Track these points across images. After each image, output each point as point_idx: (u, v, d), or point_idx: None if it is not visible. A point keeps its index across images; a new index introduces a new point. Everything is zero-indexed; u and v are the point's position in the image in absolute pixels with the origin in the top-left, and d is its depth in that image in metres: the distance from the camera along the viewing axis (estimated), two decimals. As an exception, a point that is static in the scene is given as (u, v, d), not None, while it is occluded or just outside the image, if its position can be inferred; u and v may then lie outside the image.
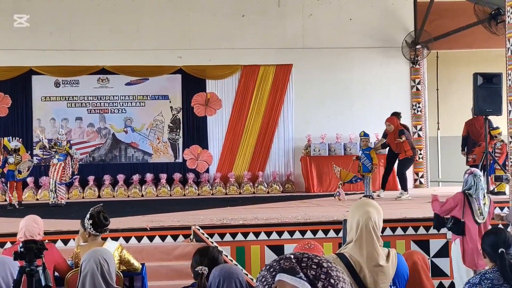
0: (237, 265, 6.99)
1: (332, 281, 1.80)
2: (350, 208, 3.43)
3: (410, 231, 8.22)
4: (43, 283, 3.47)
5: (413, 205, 10.76)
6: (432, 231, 8.17)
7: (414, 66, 15.26)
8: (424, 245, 8.10)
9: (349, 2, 15.38)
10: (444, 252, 8.16)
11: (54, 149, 12.03)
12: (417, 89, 15.33)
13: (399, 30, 15.27)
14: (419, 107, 15.33)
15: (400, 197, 11.86)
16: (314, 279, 1.77)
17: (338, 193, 11.93)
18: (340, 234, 7.83)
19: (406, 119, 15.16)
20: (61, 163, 11.88)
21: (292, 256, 1.84)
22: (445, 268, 8.16)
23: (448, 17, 14.91)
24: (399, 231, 8.18)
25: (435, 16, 14.72)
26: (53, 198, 11.87)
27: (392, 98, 15.04)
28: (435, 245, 8.17)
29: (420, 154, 15.27)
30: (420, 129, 15.36)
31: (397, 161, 12.21)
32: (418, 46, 14.98)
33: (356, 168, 11.93)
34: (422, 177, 15.32)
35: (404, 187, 12.04)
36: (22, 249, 3.45)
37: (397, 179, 12.58)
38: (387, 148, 12.38)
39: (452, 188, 14.67)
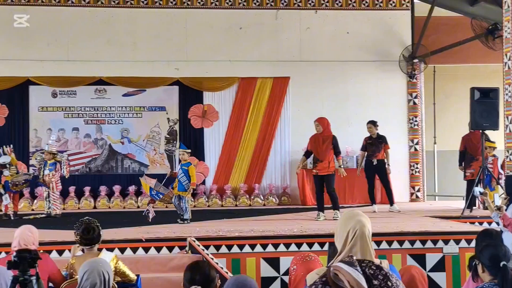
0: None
1: (389, 283, 1.78)
2: (339, 220, 3.38)
3: (406, 244, 8.18)
4: (37, 293, 3.44)
5: (409, 219, 10.73)
6: (429, 245, 8.16)
7: (411, 80, 15.29)
8: (420, 259, 8.06)
9: (346, 15, 15.44)
10: (440, 266, 8.12)
11: (42, 159, 11.97)
12: (414, 103, 15.35)
13: (396, 44, 15.32)
14: (415, 121, 15.35)
15: (336, 217, 10.37)
16: (372, 277, 1.75)
17: (147, 211, 10.18)
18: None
19: (402, 133, 15.22)
20: (53, 172, 11.84)
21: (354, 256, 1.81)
22: (441, 282, 8.13)
23: (445, 32, 14.97)
24: (395, 245, 8.15)
25: (433, 30, 14.78)
26: (48, 208, 11.85)
27: (388, 112, 15.04)
28: (432, 259, 8.13)
29: (417, 168, 15.30)
30: (417, 143, 15.36)
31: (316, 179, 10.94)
32: (415, 60, 15.03)
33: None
34: (418, 191, 15.30)
35: (337, 206, 10.79)
36: (15, 258, 3.42)
37: (331, 198, 10.86)
38: (364, 161, 12.23)
39: (448, 203, 14.72)
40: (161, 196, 10.70)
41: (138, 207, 14.26)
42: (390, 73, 15.28)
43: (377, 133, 12.16)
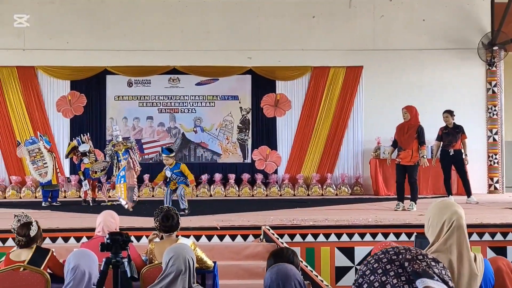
0: (307, 266, 6.92)
1: (449, 275, 1.71)
2: (431, 210, 3.28)
3: (487, 237, 7.95)
4: (129, 275, 3.49)
5: (488, 210, 10.42)
6: (510, 237, 7.90)
7: (490, 68, 14.84)
8: (501, 251, 7.80)
9: (422, 2, 15.11)
10: (522, 259, 7.84)
11: (113, 152, 12.13)
12: (493, 91, 14.89)
13: (474, 31, 14.89)
14: (495, 110, 14.89)
15: (411, 208, 10.39)
16: (444, 278, 1.68)
17: (123, 201, 9.53)
18: (413, 238, 7.67)
19: (480, 123, 14.80)
20: (128, 160, 12.03)
21: (409, 256, 1.72)
22: (524, 276, 7.84)
23: (527, 18, 14.45)
24: (474, 237, 7.92)
25: (514, 16, 14.29)
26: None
27: (465, 101, 14.67)
28: (514, 252, 7.87)
29: (495, 158, 14.86)
30: (496, 133, 14.91)
31: (397, 169, 10.63)
32: (495, 48, 14.58)
33: None
34: (497, 182, 14.88)
35: (415, 198, 10.59)
36: (108, 241, 3.50)
37: (410, 188, 10.58)
38: (439, 152, 11.94)
39: (528, 195, 14.22)
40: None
41: (211, 195, 14.41)
42: (467, 61, 14.88)
43: (454, 122, 11.84)
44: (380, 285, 1.70)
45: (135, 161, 12.18)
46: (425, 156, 10.48)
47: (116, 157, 12.04)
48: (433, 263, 1.73)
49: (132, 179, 11.22)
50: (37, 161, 11.93)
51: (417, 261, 1.72)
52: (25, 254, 5.03)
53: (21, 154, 12.30)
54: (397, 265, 1.72)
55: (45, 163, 11.95)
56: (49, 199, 12.04)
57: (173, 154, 10.30)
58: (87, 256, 4.19)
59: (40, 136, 12.37)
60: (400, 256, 1.74)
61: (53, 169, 12.06)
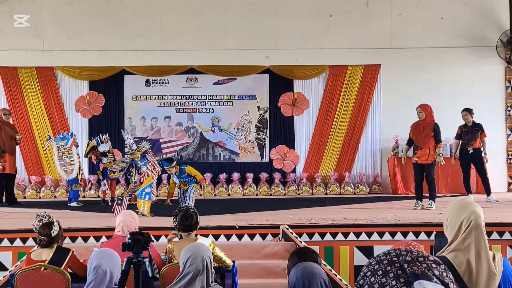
0: (326, 265, 6.91)
1: (451, 277, 1.73)
2: (450, 209, 3.27)
3: (507, 236, 7.89)
4: (150, 274, 3.52)
5: (508, 209, 10.33)
6: (531, 236, 7.83)
7: (509, 66, 14.72)
8: (521, 251, 7.76)
9: (440, 0, 15.04)
10: (543, 259, 7.77)
11: (129, 160, 12.09)
12: (513, 89, 14.80)
13: (493, 29, 14.77)
14: (514, 108, 14.79)
15: (430, 207, 10.24)
16: (444, 280, 1.69)
17: (119, 201, 9.10)
18: (432, 237, 7.64)
19: (500, 121, 14.69)
20: (148, 165, 12.01)
21: (409, 258, 1.74)
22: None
23: (547, 15, 14.32)
24: (494, 236, 7.86)
25: (533, 13, 14.17)
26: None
27: (484, 99, 14.57)
28: (534, 251, 7.80)
29: (514, 157, 14.78)
30: (515, 131, 14.82)
31: (415, 167, 10.53)
32: (514, 45, 14.46)
33: None
34: (516, 181, 14.79)
35: (434, 196, 10.45)
36: (130, 241, 3.52)
37: (428, 186, 10.44)
38: (459, 150, 11.86)
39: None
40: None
41: (229, 194, 14.44)
42: (486, 59, 14.77)
43: (473, 121, 11.77)
44: (380, 286, 1.72)
45: (153, 163, 12.20)
46: (441, 154, 10.42)
47: (134, 165, 12.02)
48: (433, 265, 1.74)
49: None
50: (64, 157, 11.97)
51: (417, 263, 1.73)
52: (46, 254, 5.08)
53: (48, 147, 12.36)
54: (397, 267, 1.74)
55: (72, 160, 12.00)
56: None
57: (173, 164, 10.41)
58: (109, 255, 4.22)
59: (71, 134, 12.46)
60: (401, 258, 1.76)
61: (79, 169, 12.12)
